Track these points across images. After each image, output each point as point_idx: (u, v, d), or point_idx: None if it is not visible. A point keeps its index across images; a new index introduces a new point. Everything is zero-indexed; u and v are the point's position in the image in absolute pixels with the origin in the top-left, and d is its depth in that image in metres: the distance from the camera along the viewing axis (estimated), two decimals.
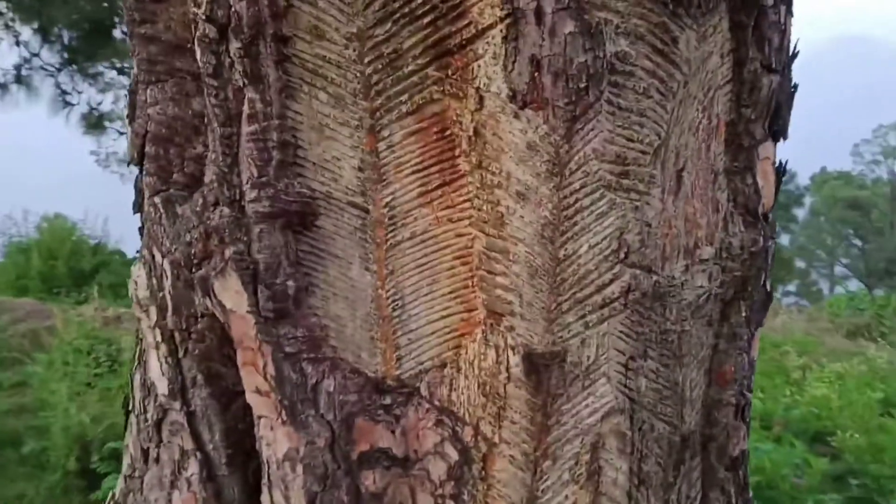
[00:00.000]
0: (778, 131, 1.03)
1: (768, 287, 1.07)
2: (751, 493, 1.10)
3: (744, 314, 1.03)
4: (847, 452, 4.88)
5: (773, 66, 0.97)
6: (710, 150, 0.98)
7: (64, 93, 9.13)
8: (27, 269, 10.31)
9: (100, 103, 9.45)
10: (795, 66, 1.04)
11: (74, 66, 9.03)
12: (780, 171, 1.05)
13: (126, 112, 1.09)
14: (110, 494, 1.14)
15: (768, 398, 6.10)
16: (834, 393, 5.60)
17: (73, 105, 9.25)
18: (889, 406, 5.69)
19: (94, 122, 9.52)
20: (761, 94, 0.98)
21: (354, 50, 0.88)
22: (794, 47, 1.02)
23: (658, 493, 0.96)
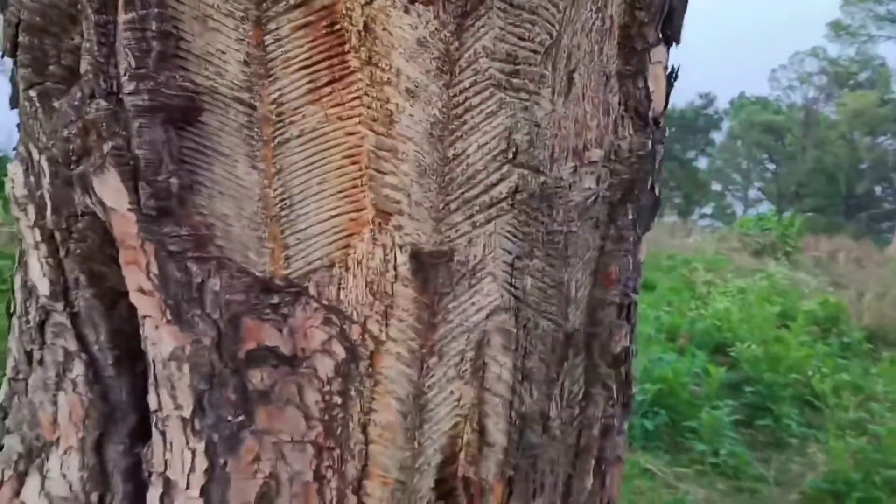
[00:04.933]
0: (671, 36, 1.03)
1: (657, 191, 1.09)
2: (634, 390, 1.14)
3: (630, 217, 1.05)
4: (744, 362, 5.15)
5: None
6: (603, 53, 0.98)
7: None
8: None
9: None
10: None
11: None
12: (672, 76, 1.06)
13: None
14: None
15: (675, 312, 6.37)
16: (735, 306, 5.87)
17: None
18: (786, 319, 6.02)
19: None
20: None
21: None
22: None
23: (541, 388, 0.99)
